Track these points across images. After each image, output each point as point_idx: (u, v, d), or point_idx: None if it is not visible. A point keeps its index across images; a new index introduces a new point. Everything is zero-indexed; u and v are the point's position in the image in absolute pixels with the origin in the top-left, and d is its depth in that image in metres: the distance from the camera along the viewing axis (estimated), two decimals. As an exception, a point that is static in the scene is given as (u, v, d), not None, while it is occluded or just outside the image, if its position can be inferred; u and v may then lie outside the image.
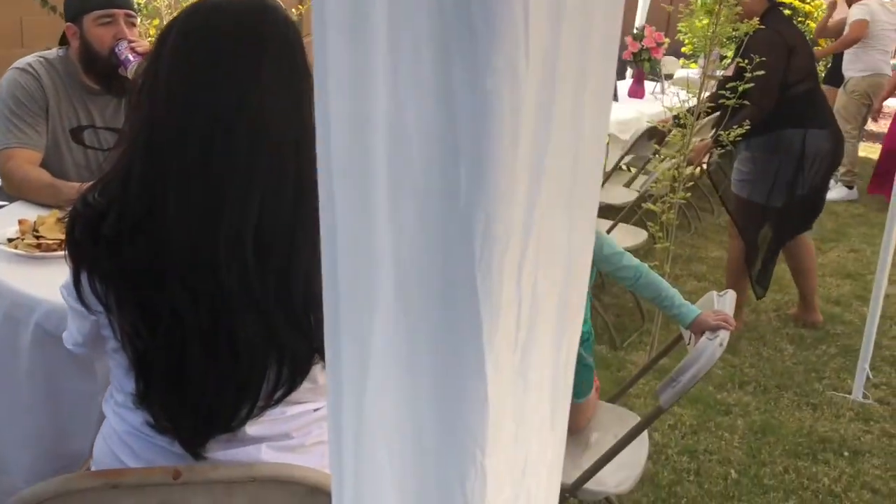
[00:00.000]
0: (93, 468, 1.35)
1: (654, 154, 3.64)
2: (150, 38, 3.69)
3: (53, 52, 2.45)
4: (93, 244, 1.18)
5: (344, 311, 0.55)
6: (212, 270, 1.15)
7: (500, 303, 0.49)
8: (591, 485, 1.84)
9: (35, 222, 1.97)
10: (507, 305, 0.49)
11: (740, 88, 2.99)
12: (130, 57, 2.29)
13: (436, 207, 0.48)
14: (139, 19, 2.79)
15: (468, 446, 0.50)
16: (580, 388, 2.10)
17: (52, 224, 1.95)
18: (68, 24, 2.39)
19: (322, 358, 1.22)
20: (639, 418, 2.03)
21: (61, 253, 1.81)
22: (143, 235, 1.16)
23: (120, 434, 1.30)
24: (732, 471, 2.75)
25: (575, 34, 0.49)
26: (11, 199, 2.35)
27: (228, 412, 1.21)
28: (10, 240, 1.91)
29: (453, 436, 0.50)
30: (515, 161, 0.47)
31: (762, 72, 3.00)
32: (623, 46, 5.36)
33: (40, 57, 2.42)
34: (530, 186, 0.48)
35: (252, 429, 1.26)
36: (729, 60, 3.49)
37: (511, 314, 0.50)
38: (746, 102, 3.07)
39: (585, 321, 2.13)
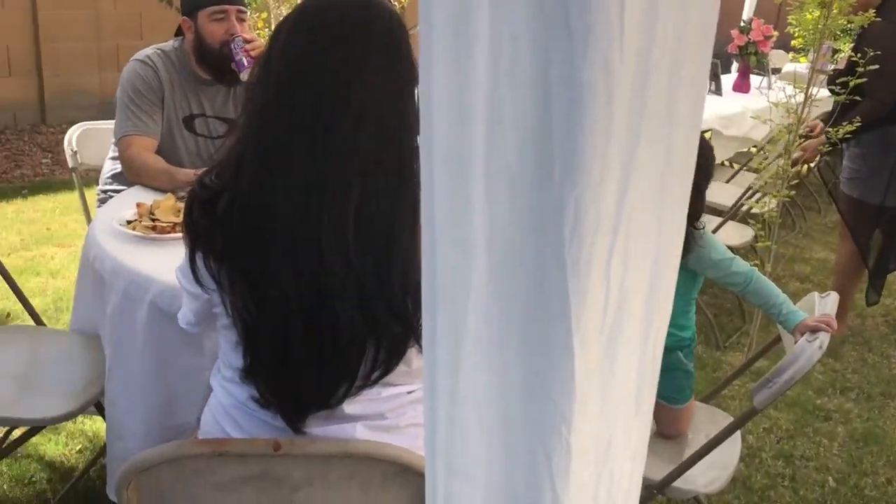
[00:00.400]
0: (199, 438, 1.43)
1: (759, 150, 3.53)
2: (258, 31, 3.83)
3: (170, 44, 2.58)
4: (208, 224, 1.26)
5: (441, 292, 0.58)
6: (315, 254, 1.21)
7: (588, 286, 0.51)
8: (680, 483, 1.82)
9: (151, 206, 2.09)
10: (595, 289, 0.51)
11: (851, 83, 2.87)
12: (245, 61, 2.40)
13: (529, 194, 0.50)
14: (248, 13, 2.91)
15: (555, 422, 0.52)
16: (681, 395, 2.05)
17: (166, 208, 2.07)
18: (184, 18, 2.52)
19: (418, 342, 1.26)
20: (732, 419, 2.00)
21: (175, 235, 1.92)
22: (252, 218, 1.23)
23: (226, 407, 1.38)
24: (830, 479, 2.66)
25: (671, 25, 0.50)
26: (129, 184, 2.50)
27: (327, 390, 1.27)
28: (128, 222, 2.03)
29: (541, 412, 0.53)
30: (608, 152, 0.49)
31: (876, 66, 2.88)
32: (729, 40, 5.21)
33: (158, 49, 2.56)
34: (622, 176, 0.50)
35: (349, 407, 1.32)
36: (842, 54, 3.35)
37: (599, 298, 0.52)
38: (858, 98, 2.95)
39: (688, 327, 2.08)
